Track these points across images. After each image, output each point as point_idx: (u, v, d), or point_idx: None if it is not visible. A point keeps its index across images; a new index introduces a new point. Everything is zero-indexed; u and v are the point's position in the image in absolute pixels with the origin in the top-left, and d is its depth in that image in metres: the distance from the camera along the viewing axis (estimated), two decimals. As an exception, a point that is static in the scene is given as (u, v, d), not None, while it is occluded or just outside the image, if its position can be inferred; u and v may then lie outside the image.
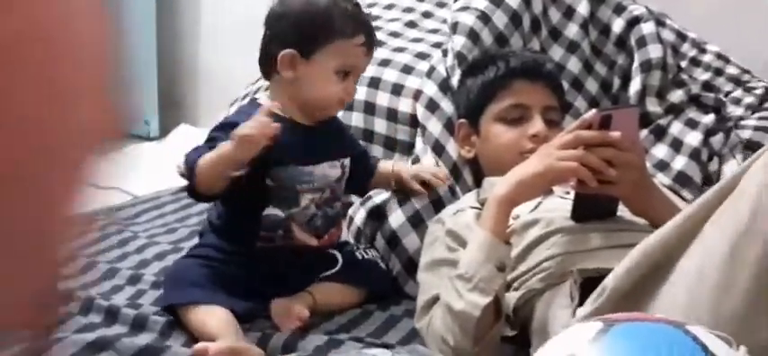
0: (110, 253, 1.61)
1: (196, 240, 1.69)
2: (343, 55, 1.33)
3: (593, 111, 1.18)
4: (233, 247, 1.35)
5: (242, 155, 1.21)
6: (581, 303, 1.10)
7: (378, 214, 1.53)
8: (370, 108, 1.67)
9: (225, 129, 1.27)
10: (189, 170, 1.25)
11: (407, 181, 1.49)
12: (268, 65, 1.35)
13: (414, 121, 1.61)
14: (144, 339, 1.21)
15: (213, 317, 1.24)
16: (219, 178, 1.23)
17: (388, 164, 1.54)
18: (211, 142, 1.27)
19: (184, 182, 2.01)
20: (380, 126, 1.67)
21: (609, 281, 1.01)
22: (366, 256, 1.46)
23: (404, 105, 1.65)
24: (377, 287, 1.44)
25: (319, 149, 1.37)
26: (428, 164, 1.53)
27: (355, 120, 1.67)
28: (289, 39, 1.31)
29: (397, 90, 1.66)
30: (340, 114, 1.50)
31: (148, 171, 2.30)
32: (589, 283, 1.12)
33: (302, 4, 1.33)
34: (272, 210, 1.34)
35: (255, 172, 1.28)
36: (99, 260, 1.55)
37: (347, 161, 1.41)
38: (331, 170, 1.38)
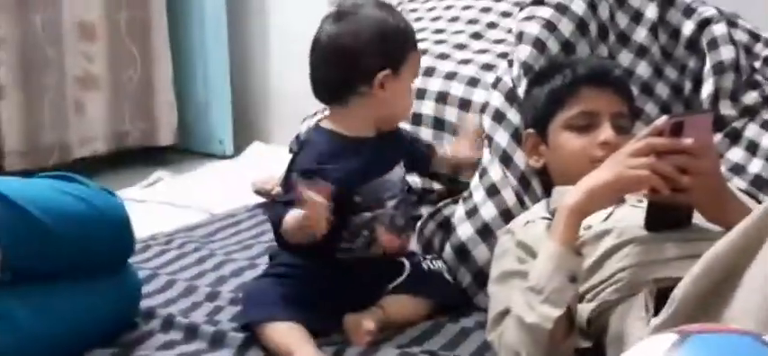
0: (188, 270, 1.65)
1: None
2: (416, 65, 1.41)
3: (665, 117, 1.16)
4: (307, 262, 1.37)
5: (305, 240, 1.26)
6: (656, 314, 1.08)
7: (447, 226, 1.53)
8: (439, 124, 1.68)
9: (306, 177, 1.29)
10: (273, 226, 1.34)
11: (455, 154, 1.55)
12: (346, 91, 1.35)
13: (483, 110, 1.61)
14: (223, 355, 1.24)
15: (290, 333, 1.27)
16: (307, 238, 1.27)
17: (446, 150, 1.58)
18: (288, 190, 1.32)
19: (259, 199, 2.08)
20: (449, 141, 1.67)
21: (678, 291, 0.99)
22: (433, 267, 1.47)
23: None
24: (445, 298, 1.44)
25: (389, 157, 1.42)
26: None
27: (424, 135, 1.68)
28: (378, 61, 1.34)
29: (464, 105, 1.67)
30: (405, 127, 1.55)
31: (224, 189, 2.36)
32: (665, 294, 1.10)
33: (378, 24, 1.35)
34: (359, 215, 1.37)
35: (345, 190, 1.33)
36: (178, 277, 1.60)
37: (402, 162, 1.46)
38: (399, 170, 1.44)
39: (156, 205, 2.25)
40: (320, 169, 1.31)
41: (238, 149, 2.84)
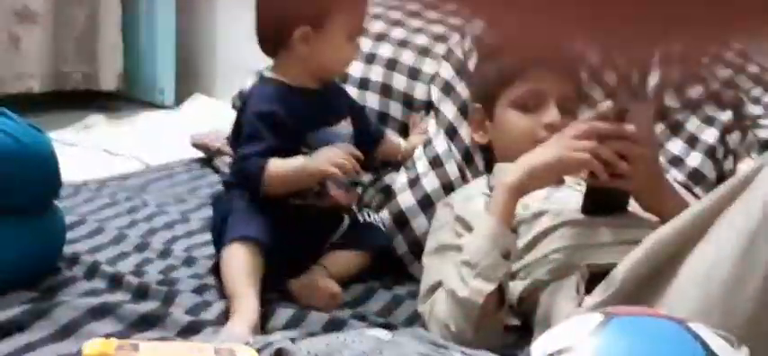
0: (118, 219, 1.62)
1: (206, 211, 1.71)
2: (353, 21, 1.39)
3: (609, 102, 1.17)
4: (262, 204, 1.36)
5: (316, 181, 1.34)
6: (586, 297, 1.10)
7: (387, 193, 1.53)
8: (386, 90, 1.67)
9: (264, 119, 1.33)
10: (253, 177, 1.32)
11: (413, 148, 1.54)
12: (277, 43, 1.38)
13: (429, 109, 1.61)
14: (146, 306, 1.21)
15: (244, 268, 1.25)
16: (291, 189, 1.35)
17: (397, 138, 1.57)
18: (258, 140, 1.33)
19: (196, 153, 2.04)
20: (396, 110, 1.67)
21: (618, 273, 1.01)
22: (368, 219, 1.49)
23: (420, 91, 1.64)
24: (378, 246, 1.46)
25: (335, 109, 1.43)
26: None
27: (371, 100, 1.67)
28: (296, 17, 1.35)
29: (413, 74, 1.66)
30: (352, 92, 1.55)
31: (161, 140, 2.31)
32: (595, 278, 1.12)
33: None
34: None
35: (290, 143, 1.34)
36: (107, 226, 1.56)
37: (349, 119, 1.46)
38: (347, 126, 1.44)
39: (89, 150, 2.20)
40: (273, 111, 1.34)
41: (179, 100, 2.79)
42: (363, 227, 1.46)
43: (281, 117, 1.34)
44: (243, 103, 1.47)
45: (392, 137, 1.59)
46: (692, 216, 0.97)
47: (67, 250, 1.38)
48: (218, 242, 1.36)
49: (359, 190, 1.56)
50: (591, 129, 1.15)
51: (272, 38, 1.39)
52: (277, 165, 1.32)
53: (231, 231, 1.30)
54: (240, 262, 1.26)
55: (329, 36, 1.36)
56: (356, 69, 1.65)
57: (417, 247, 1.44)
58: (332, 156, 1.32)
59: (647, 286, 1.00)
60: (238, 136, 1.41)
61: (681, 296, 0.95)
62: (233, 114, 1.98)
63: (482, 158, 1.53)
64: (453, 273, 1.17)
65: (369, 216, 1.49)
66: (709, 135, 1.62)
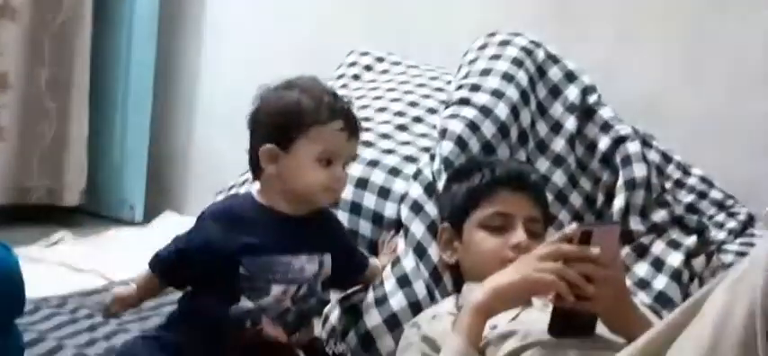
0: (78, 336, 1.58)
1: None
2: (322, 141, 1.35)
3: (575, 225, 1.20)
4: (196, 339, 1.33)
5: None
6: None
7: (354, 312, 1.52)
8: (356, 208, 1.69)
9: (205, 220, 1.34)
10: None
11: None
12: (254, 163, 1.38)
13: (399, 228, 1.62)
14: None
15: None
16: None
17: (377, 262, 1.56)
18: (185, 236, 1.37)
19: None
20: (365, 228, 1.68)
21: None
22: (336, 351, 1.45)
23: (390, 209, 1.66)
24: None
25: (298, 242, 1.37)
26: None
27: (340, 219, 1.68)
28: (267, 134, 1.36)
29: (383, 193, 1.68)
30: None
31: (128, 256, 2.29)
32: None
33: (275, 98, 1.38)
34: (243, 301, 1.33)
35: (230, 261, 1.30)
36: (66, 343, 1.53)
37: (327, 258, 1.40)
38: (309, 264, 1.38)
39: (53, 266, 2.17)
40: (203, 218, 1.35)
41: (149, 217, 2.78)
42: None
43: (203, 230, 1.34)
44: None
45: (375, 262, 1.57)
46: (643, 344, 0.98)
47: (25, 369, 1.35)
48: None
49: (324, 310, 1.54)
50: (556, 250, 1.17)
51: (251, 156, 1.39)
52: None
53: None
54: None
55: (296, 158, 1.35)
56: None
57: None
58: None
59: None
60: None
61: None
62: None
63: (451, 277, 1.54)
64: (420, 396, 1.15)
65: (338, 346, 1.46)
66: (675, 259, 1.65)
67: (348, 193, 1.70)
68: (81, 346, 1.53)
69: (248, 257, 1.32)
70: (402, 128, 1.89)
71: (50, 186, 2.66)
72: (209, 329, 1.33)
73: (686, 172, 1.91)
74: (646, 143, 1.85)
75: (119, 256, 2.29)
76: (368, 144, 1.79)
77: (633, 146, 1.76)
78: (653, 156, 1.85)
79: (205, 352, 1.32)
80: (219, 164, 2.65)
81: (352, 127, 1.38)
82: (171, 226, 2.59)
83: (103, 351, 1.52)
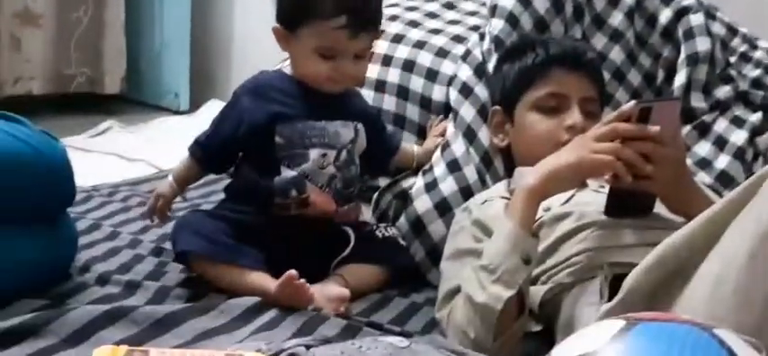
0: (132, 224, 1.63)
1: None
2: (321, 36, 1.35)
3: (632, 102, 1.17)
4: (249, 216, 1.38)
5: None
6: (610, 300, 1.10)
7: (404, 198, 1.53)
8: (403, 92, 1.68)
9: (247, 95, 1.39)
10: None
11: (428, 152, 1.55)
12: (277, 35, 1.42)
13: (448, 110, 1.61)
14: (160, 311, 1.22)
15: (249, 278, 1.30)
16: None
17: (411, 147, 1.57)
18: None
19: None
20: (413, 112, 1.67)
21: (629, 279, 1.01)
22: (387, 235, 1.47)
23: (438, 93, 1.65)
24: (399, 263, 1.45)
25: (330, 110, 1.41)
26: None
27: (387, 103, 1.68)
28: (280, 14, 1.39)
29: (431, 75, 1.66)
30: (368, 95, 1.55)
31: (176, 146, 2.32)
32: (620, 281, 1.11)
33: None
34: (284, 171, 1.37)
35: (264, 130, 1.35)
36: (121, 230, 1.58)
37: (361, 126, 1.44)
38: (343, 129, 1.42)
39: (101, 156, 2.22)
40: (235, 95, 1.40)
41: (194, 105, 2.80)
42: (383, 243, 1.45)
43: (242, 103, 1.38)
44: None
45: (406, 146, 1.59)
46: (703, 221, 0.97)
47: (80, 256, 1.40)
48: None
49: (375, 195, 1.56)
50: (613, 130, 1.15)
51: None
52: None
53: (178, 242, 1.36)
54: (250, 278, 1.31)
55: (300, 45, 1.37)
56: (372, 71, 1.66)
57: (435, 253, 1.44)
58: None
59: (656, 294, 0.99)
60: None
61: (690, 304, 0.94)
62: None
63: (502, 162, 1.53)
64: (472, 278, 1.16)
65: (388, 230, 1.48)
66: (738, 137, 1.62)
67: (395, 76, 1.68)
68: (136, 233, 1.58)
69: (281, 124, 1.36)
70: (449, 6, 1.85)
71: (90, 74, 2.69)
72: (259, 203, 1.37)
73: (753, 45, 1.84)
74: (710, 15, 1.78)
75: (167, 145, 2.33)
76: (414, 24, 1.76)
77: (696, 19, 1.70)
78: (717, 29, 1.78)
79: (259, 226, 1.37)
80: (262, 50, 2.64)
81: (357, 24, 1.34)
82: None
83: (157, 238, 1.56)
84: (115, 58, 2.72)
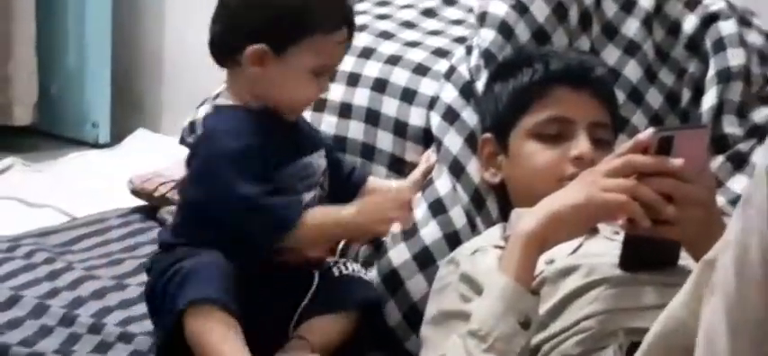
0: (36, 286, 1.62)
1: (144, 276, 1.71)
2: (321, 53, 1.41)
3: (651, 130, 1.18)
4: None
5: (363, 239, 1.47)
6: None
7: (377, 246, 1.54)
8: (373, 117, 1.69)
9: (244, 158, 1.38)
10: (281, 225, 1.37)
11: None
12: (227, 53, 1.43)
13: (427, 138, 1.63)
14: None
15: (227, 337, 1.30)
16: (322, 244, 1.47)
17: (386, 182, 1.59)
18: (251, 181, 1.37)
19: (137, 202, 2.05)
20: (385, 141, 1.68)
21: None
22: (346, 272, 1.50)
23: (415, 116, 1.66)
24: (366, 301, 1.48)
25: (306, 139, 1.48)
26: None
27: (353, 131, 1.69)
28: (259, 30, 1.39)
29: (408, 96, 1.68)
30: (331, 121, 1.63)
31: (93, 186, 2.33)
32: (636, 350, 1.12)
33: None
34: None
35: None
36: (23, 294, 1.57)
37: (323, 153, 1.51)
38: (319, 160, 1.48)
39: (1, 201, 2.21)
40: (250, 147, 1.38)
41: (117, 137, 2.80)
42: (342, 282, 1.48)
43: (257, 150, 1.39)
44: (200, 139, 1.52)
45: (377, 181, 1.61)
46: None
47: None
48: (159, 311, 1.37)
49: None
50: (627, 163, 1.16)
51: (223, 42, 1.43)
52: (316, 217, 1.38)
53: (188, 291, 1.32)
54: (222, 328, 1.30)
55: (289, 66, 1.40)
56: (335, 93, 1.68)
57: (414, 315, 1.45)
58: (387, 212, 1.38)
59: None
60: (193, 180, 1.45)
61: None
62: (180, 151, 2.01)
63: (495, 201, 1.55)
64: (458, 347, 1.17)
65: (346, 267, 1.51)
66: (781, 169, 1.64)
67: (363, 98, 1.70)
68: (42, 297, 1.57)
69: (278, 170, 1.40)
70: (429, 13, 1.88)
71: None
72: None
73: (797, 58, 1.88)
74: (744, 21, 1.81)
75: (82, 186, 2.33)
76: (386, 35, 1.78)
77: (728, 27, 1.73)
78: (753, 38, 1.82)
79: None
80: (199, 69, 2.64)
81: (352, 36, 1.45)
82: (144, 148, 2.63)
83: (69, 303, 1.56)
84: (25, 83, 2.71)
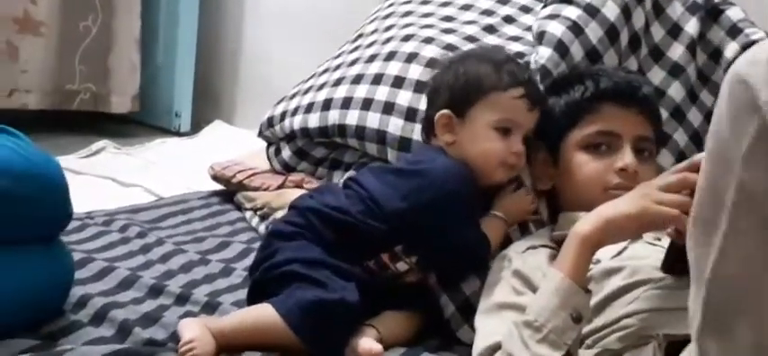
0: (131, 259, 1.65)
1: (227, 253, 1.73)
2: (499, 108, 1.45)
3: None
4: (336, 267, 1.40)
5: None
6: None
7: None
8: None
9: (468, 200, 1.45)
10: (482, 259, 1.44)
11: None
12: (429, 130, 1.53)
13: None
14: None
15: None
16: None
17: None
18: (471, 221, 1.45)
19: (215, 186, 2.08)
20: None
21: None
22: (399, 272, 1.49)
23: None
24: (432, 312, 1.48)
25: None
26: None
27: (417, 133, 1.69)
28: (444, 102, 1.48)
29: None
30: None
31: (175, 170, 2.36)
32: (675, 348, 1.12)
33: (456, 66, 1.51)
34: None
35: None
36: (118, 265, 1.59)
37: None
38: None
39: (95, 179, 2.25)
40: (470, 193, 1.46)
41: (197, 126, 2.83)
42: (416, 287, 1.48)
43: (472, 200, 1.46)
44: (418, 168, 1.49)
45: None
46: None
47: (74, 292, 1.42)
48: (273, 284, 1.39)
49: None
50: (682, 180, 1.15)
51: (424, 127, 1.56)
52: (493, 239, 1.45)
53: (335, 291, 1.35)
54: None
55: (473, 123, 1.46)
56: (404, 98, 1.69)
57: (467, 309, 1.44)
58: (524, 206, 1.50)
59: None
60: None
61: None
62: (257, 143, 2.04)
63: (546, 207, 1.55)
64: (514, 336, 1.17)
65: (399, 264, 1.51)
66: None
67: (422, 104, 1.69)
68: (135, 269, 1.59)
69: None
70: (490, 29, 1.88)
71: (96, 90, 2.71)
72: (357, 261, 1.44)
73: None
74: (781, 51, 1.79)
75: (165, 170, 2.36)
76: (451, 48, 1.79)
77: None
78: (789, 67, 1.80)
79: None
80: (271, 70, 2.66)
81: (534, 96, 1.47)
82: (221, 138, 2.66)
83: (160, 275, 1.57)
84: (124, 74, 2.72)
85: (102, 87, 2.73)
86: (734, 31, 1.77)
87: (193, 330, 1.27)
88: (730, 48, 1.76)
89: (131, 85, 2.75)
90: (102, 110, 2.74)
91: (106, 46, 2.71)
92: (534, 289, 1.25)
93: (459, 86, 1.47)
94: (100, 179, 2.24)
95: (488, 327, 1.29)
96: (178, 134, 2.81)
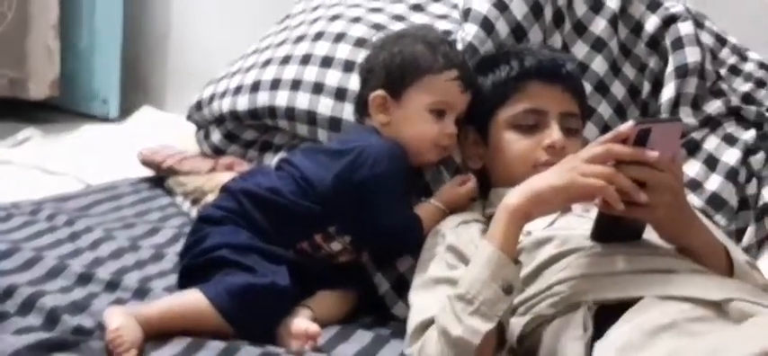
0: (59, 247, 1.60)
1: (157, 238, 1.69)
2: (435, 90, 1.45)
3: (631, 122, 1.15)
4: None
5: None
6: (595, 334, 1.11)
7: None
8: (341, 94, 1.67)
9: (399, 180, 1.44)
10: (414, 241, 1.43)
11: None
12: (362, 109, 1.52)
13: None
14: (92, 347, 1.20)
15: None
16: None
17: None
18: (400, 200, 1.45)
19: (145, 172, 2.04)
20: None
21: None
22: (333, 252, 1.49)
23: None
24: (366, 288, 1.47)
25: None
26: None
27: (347, 113, 1.68)
28: (379, 82, 1.47)
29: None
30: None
31: (103, 157, 2.30)
32: (605, 312, 1.13)
33: (391, 46, 1.50)
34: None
35: None
36: (45, 254, 1.54)
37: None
38: None
39: (22, 168, 2.18)
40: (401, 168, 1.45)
41: (126, 112, 2.77)
42: (349, 265, 1.48)
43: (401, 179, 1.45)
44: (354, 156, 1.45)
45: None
46: None
47: (0, 282, 1.37)
48: (202, 269, 1.36)
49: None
50: (607, 152, 1.15)
51: (358, 105, 1.54)
52: (426, 223, 1.43)
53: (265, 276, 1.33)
54: None
55: (408, 105, 1.45)
56: (333, 78, 1.66)
57: (401, 285, 1.44)
58: (464, 198, 1.47)
59: None
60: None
61: None
62: (188, 128, 1.99)
63: (476, 184, 1.54)
64: (447, 309, 1.17)
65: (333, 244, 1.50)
66: (731, 156, 1.65)
67: (352, 84, 1.68)
68: (64, 257, 1.55)
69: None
70: (417, 8, 1.86)
71: (13, 76, 2.62)
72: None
73: (742, 56, 1.89)
74: (698, 23, 1.82)
75: (94, 157, 2.30)
76: (378, 27, 1.77)
77: (685, 27, 1.74)
78: (706, 39, 1.83)
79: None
80: (203, 52, 2.62)
81: (467, 78, 1.47)
82: (150, 124, 2.60)
83: (89, 263, 1.53)
84: (42, 59, 2.65)
85: (19, 72, 2.64)
86: (653, 6, 1.79)
87: (118, 318, 1.23)
88: (651, 22, 1.78)
89: (50, 71, 2.67)
90: (20, 96, 2.65)
91: (22, 31, 2.63)
92: (467, 263, 1.25)
93: (394, 67, 1.47)
94: (26, 168, 2.17)
95: (423, 302, 1.29)
96: (106, 120, 2.74)
